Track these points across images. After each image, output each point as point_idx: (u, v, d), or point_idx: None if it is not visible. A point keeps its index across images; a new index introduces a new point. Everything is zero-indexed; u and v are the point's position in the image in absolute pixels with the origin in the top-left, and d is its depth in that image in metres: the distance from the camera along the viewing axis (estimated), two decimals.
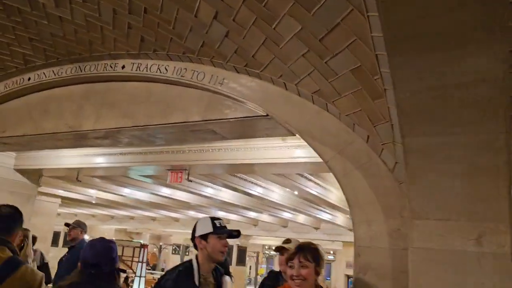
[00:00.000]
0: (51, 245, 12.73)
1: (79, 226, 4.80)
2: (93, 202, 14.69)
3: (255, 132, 4.03)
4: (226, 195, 10.21)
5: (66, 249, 4.89)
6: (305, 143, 5.73)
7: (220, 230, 2.30)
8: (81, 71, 4.57)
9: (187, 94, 3.99)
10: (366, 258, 2.79)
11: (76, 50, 4.30)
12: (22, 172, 8.66)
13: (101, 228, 23.40)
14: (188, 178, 6.74)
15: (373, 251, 2.76)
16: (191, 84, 3.91)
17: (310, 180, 8.04)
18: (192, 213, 15.66)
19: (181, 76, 3.93)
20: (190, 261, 2.31)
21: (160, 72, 4.06)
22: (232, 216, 15.45)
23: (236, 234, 2.38)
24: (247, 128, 3.97)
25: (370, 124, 2.80)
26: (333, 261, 23.70)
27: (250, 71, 3.50)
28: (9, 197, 8.52)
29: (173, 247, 26.32)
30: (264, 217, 15.18)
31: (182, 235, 24.35)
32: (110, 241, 2.12)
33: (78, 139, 4.97)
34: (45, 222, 11.58)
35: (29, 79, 4.94)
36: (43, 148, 5.87)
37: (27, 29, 4.07)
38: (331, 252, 23.21)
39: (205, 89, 3.84)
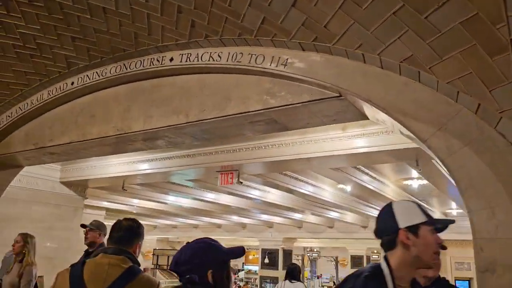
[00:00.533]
0: None
1: (98, 228, 4.01)
2: (134, 211, 14.59)
3: (322, 118, 3.57)
4: (273, 196, 9.78)
5: None
6: (367, 132, 5.31)
7: (436, 220, 1.58)
8: (126, 69, 4.29)
9: (245, 81, 3.60)
10: (492, 252, 2.28)
11: (120, 45, 4.01)
12: (68, 184, 8.58)
13: None
14: (238, 179, 6.34)
15: (501, 244, 2.25)
16: (248, 69, 3.51)
17: (366, 173, 7.49)
18: (235, 218, 15.33)
19: (237, 61, 3.54)
20: (378, 265, 1.59)
21: (213, 60, 3.69)
22: (276, 219, 15.00)
23: (442, 227, 1.62)
24: (313, 114, 3.52)
25: (484, 89, 2.30)
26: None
27: (318, 47, 3.07)
28: (56, 210, 8.46)
29: None
30: (309, 218, 14.63)
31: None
32: (201, 242, 1.66)
33: (127, 143, 4.69)
34: None
35: (72, 83, 4.71)
36: (89, 156, 5.64)
37: (69, 27, 3.80)
38: (375, 251, 22.29)
39: (265, 73, 3.44)
